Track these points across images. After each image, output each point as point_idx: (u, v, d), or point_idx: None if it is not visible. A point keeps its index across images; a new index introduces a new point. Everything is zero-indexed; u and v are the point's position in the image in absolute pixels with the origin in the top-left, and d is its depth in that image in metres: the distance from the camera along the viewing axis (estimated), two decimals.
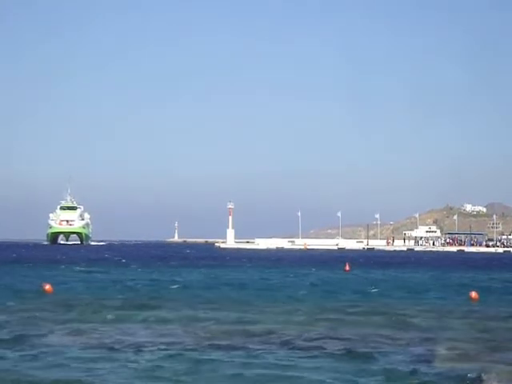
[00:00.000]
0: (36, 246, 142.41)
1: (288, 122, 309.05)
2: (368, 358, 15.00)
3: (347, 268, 51.47)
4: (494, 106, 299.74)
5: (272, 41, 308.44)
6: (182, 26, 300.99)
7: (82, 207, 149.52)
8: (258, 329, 18.95)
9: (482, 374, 13.11)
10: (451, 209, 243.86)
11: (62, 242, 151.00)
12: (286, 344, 16.63)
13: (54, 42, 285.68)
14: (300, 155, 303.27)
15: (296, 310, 23.52)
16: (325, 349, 16.03)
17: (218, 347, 16.04)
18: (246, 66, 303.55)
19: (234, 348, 16.03)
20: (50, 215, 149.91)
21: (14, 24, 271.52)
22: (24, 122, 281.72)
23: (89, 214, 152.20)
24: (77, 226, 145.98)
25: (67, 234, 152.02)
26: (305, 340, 17.27)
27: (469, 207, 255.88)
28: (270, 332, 18.33)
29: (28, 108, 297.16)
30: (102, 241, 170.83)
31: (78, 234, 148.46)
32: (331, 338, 17.53)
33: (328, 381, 12.88)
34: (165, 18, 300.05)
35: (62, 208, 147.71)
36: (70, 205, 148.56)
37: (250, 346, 16.21)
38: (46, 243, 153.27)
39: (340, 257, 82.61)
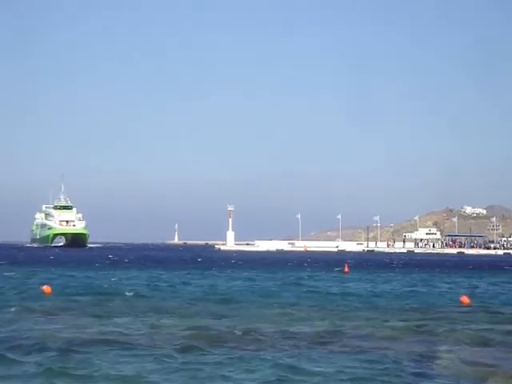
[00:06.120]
0: (43, 248, 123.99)
1: (288, 124, 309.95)
2: None
3: (346, 270, 50.98)
4: (493, 107, 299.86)
5: (271, 42, 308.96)
6: (182, 26, 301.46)
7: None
8: None
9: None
10: (451, 211, 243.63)
11: (60, 244, 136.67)
12: None
13: (53, 43, 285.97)
14: (300, 158, 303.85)
15: None
16: None
17: None
18: (245, 68, 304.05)
19: None
20: (39, 215, 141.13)
21: (12, 26, 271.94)
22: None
23: (80, 213, 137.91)
24: (79, 226, 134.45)
25: (68, 236, 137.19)
26: None
27: (469, 209, 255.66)
28: None
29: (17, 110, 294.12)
30: (97, 243, 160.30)
31: (81, 235, 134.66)
32: None
33: None
34: (164, 18, 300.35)
35: (57, 207, 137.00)
36: (66, 204, 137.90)
37: None
38: (35, 245, 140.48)
39: (338, 259, 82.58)
